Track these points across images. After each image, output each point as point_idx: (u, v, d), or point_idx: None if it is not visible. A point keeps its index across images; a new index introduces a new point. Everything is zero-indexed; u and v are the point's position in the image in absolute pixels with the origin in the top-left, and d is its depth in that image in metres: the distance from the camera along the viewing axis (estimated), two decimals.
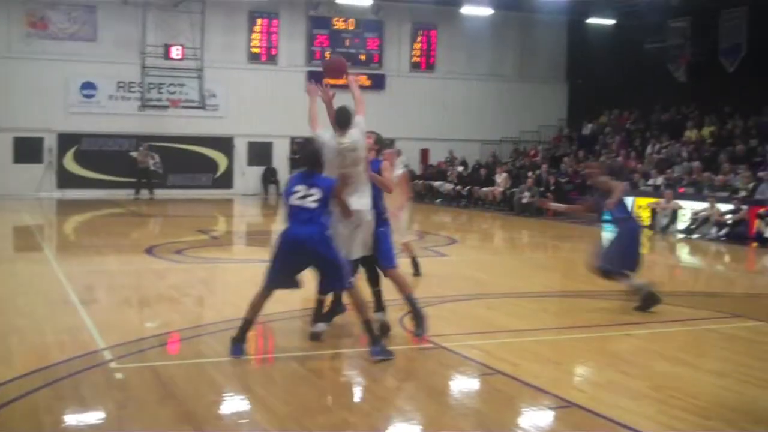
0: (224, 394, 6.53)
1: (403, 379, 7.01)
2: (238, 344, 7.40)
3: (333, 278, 7.50)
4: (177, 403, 6.17)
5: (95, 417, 5.89)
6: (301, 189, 7.40)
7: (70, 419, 5.84)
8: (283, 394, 6.51)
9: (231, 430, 5.76)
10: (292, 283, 7.58)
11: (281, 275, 7.47)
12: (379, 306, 8.35)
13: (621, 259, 9.97)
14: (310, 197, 7.37)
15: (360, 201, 7.88)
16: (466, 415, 6.07)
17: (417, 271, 12.20)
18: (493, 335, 8.65)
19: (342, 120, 8.09)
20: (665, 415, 6.00)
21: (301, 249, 7.33)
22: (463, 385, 7.08)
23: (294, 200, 7.39)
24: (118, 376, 6.83)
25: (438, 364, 7.50)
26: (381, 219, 8.21)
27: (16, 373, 6.68)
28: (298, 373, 7.11)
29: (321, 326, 8.08)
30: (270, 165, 32.80)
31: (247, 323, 7.46)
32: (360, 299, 7.50)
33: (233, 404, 6.33)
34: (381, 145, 9.71)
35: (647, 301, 9.77)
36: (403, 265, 12.24)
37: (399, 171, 12.27)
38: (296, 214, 7.37)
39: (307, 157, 7.68)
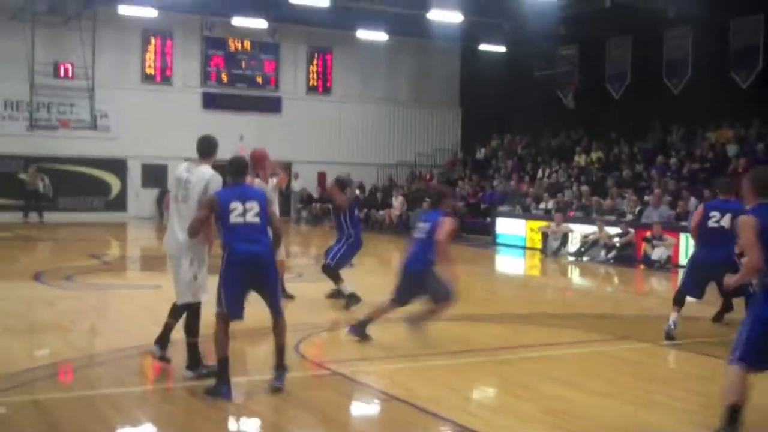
0: (115, 429, 6.35)
1: (301, 407, 6.95)
2: (225, 386, 7.03)
3: (271, 301, 7.28)
4: None
5: None
6: (237, 206, 7.10)
7: None
8: (178, 427, 6.39)
9: None
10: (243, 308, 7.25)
11: (237, 298, 7.13)
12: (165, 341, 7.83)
13: (342, 261, 11.96)
14: (250, 212, 7.12)
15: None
16: None
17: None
18: (389, 360, 8.68)
19: (201, 148, 7.70)
20: None
21: (254, 267, 7.08)
22: (359, 412, 7.10)
23: (235, 218, 7.07)
24: (1, 410, 6.56)
25: (334, 392, 7.47)
26: None
27: None
28: (192, 404, 6.98)
29: (189, 374, 7.62)
30: (165, 188, 32.24)
31: (225, 361, 7.09)
32: (283, 327, 7.35)
33: None
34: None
35: (350, 300, 11.60)
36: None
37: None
38: (241, 232, 7.07)
39: (234, 167, 7.39)
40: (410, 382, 7.66)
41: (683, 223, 19.31)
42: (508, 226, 24.29)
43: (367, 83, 35.42)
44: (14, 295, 12.90)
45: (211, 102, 32.94)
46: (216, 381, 7.10)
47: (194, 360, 7.57)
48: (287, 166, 34.23)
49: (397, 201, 28.46)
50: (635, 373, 8.47)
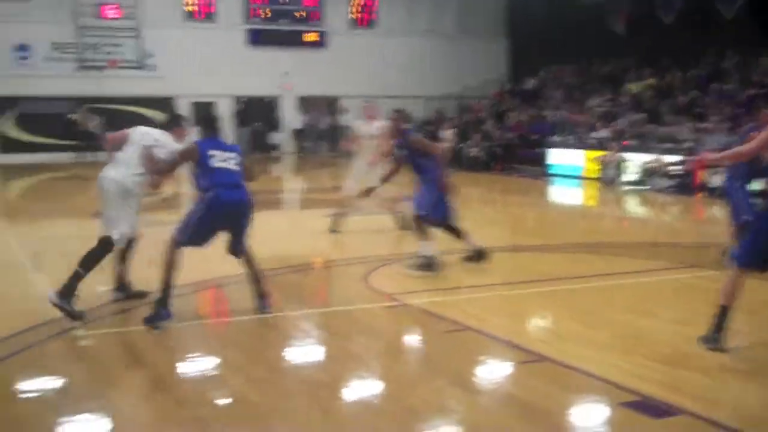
0: (193, 358, 6.46)
1: (373, 337, 6.99)
2: (165, 308, 7.16)
3: (239, 242, 7.48)
4: (146, 368, 6.12)
5: (64, 384, 5.77)
6: (217, 153, 7.34)
7: (39, 387, 5.75)
8: (254, 354, 6.46)
9: (203, 393, 5.67)
10: (204, 243, 7.51)
11: (199, 235, 7.37)
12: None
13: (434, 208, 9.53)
14: (231, 160, 7.36)
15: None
16: (440, 372, 6.06)
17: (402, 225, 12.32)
18: (455, 291, 8.67)
19: (168, 123, 8.22)
20: (632, 364, 6.07)
21: (233, 213, 7.32)
22: (432, 341, 7.08)
23: (217, 163, 7.30)
24: (84, 343, 6.72)
25: (405, 322, 7.50)
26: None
27: None
28: (265, 334, 7.07)
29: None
30: None
31: (169, 286, 7.26)
32: (251, 258, 7.54)
33: (204, 367, 6.27)
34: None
35: (425, 266, 9.31)
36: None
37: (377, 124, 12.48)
38: (223, 176, 7.28)
39: (207, 122, 7.73)
40: (480, 312, 7.64)
41: None
42: (560, 157, 24.05)
43: (411, 15, 34.99)
44: (80, 233, 13.02)
45: (255, 38, 32.80)
46: (158, 303, 7.19)
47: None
48: (332, 101, 34.15)
49: (448, 133, 28.26)
50: (707, 300, 8.31)
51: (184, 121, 8.26)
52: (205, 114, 7.93)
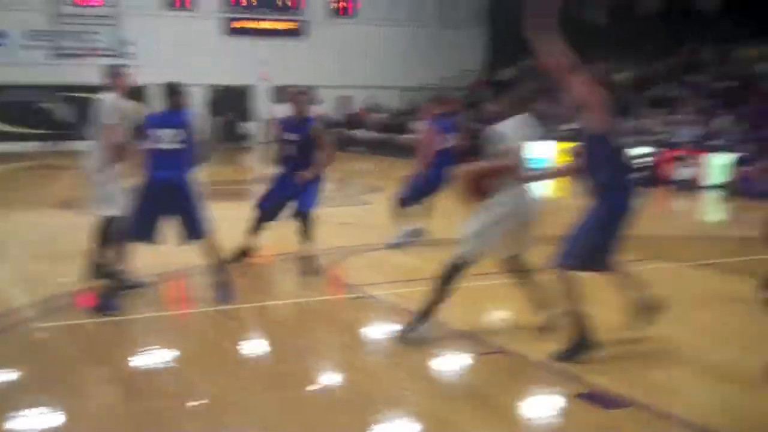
0: (149, 349, 6.44)
1: (334, 328, 7.00)
2: (112, 299, 7.16)
3: (195, 224, 7.33)
4: (103, 361, 6.09)
5: (19, 377, 5.75)
6: (160, 132, 7.18)
7: None
8: (211, 346, 6.46)
9: (157, 385, 5.67)
10: (153, 236, 7.41)
11: (144, 224, 7.28)
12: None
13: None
14: (173, 138, 7.19)
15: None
16: (399, 364, 6.09)
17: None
18: (418, 282, 8.64)
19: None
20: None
21: (168, 193, 7.17)
22: (394, 333, 7.09)
23: (154, 143, 7.16)
24: (41, 334, 6.68)
25: (368, 313, 7.51)
26: None
27: None
28: (224, 325, 7.06)
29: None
30: None
31: (119, 275, 7.27)
32: (210, 247, 7.43)
33: (159, 359, 6.25)
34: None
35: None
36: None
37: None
38: (158, 157, 7.15)
39: (168, 92, 7.44)
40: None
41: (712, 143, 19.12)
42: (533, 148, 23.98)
43: (392, 4, 34.90)
44: (45, 221, 13.01)
45: (232, 27, 32.65)
46: (106, 294, 7.22)
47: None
48: (309, 91, 34.10)
49: (421, 124, 28.18)
50: (670, 291, 8.38)
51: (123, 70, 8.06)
52: (168, 84, 7.52)
